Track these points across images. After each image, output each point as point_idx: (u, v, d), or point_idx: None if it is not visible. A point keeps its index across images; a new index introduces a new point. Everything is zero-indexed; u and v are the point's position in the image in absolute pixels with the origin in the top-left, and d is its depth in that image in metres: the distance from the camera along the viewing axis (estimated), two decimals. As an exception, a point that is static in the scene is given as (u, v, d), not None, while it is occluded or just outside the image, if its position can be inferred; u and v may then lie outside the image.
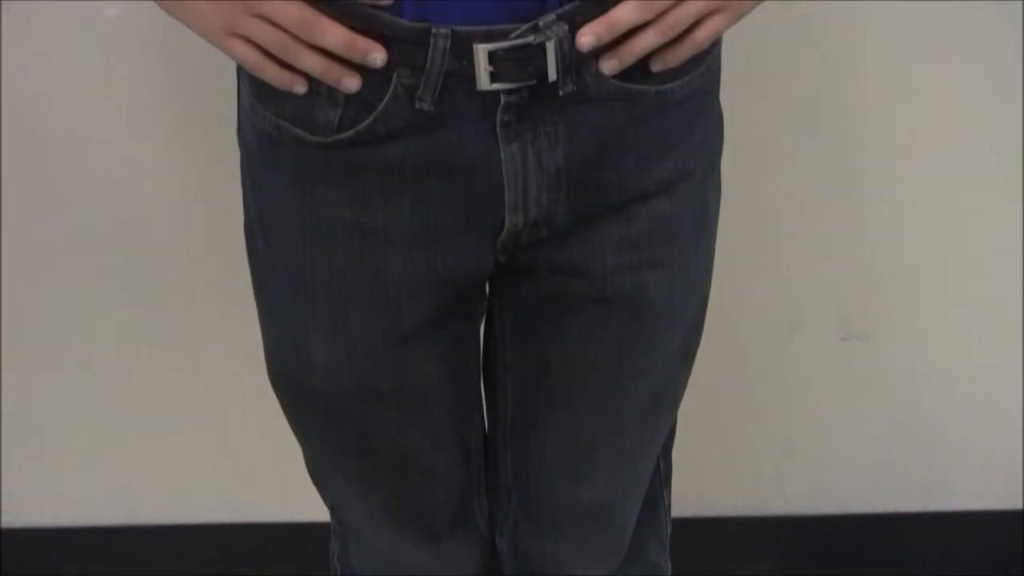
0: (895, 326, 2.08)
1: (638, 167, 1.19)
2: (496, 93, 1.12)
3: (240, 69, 1.22)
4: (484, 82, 1.11)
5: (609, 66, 1.13)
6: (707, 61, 1.22)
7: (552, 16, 1.10)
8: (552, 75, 1.11)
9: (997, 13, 1.85)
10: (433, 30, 1.09)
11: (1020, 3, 1.83)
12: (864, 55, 1.89)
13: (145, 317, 2.04)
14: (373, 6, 1.09)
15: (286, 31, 1.10)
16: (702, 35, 1.15)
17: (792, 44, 1.87)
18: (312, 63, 1.11)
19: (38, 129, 1.91)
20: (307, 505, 1.57)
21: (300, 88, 1.14)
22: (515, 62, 1.10)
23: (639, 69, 1.15)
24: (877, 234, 2.02)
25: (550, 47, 1.10)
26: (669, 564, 1.56)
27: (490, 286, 1.31)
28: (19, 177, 1.94)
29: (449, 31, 1.09)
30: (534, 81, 1.11)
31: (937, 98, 1.91)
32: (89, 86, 1.88)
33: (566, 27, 1.10)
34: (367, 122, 1.14)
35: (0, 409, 2.09)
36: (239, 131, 1.27)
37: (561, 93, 1.13)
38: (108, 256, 2.00)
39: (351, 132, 1.14)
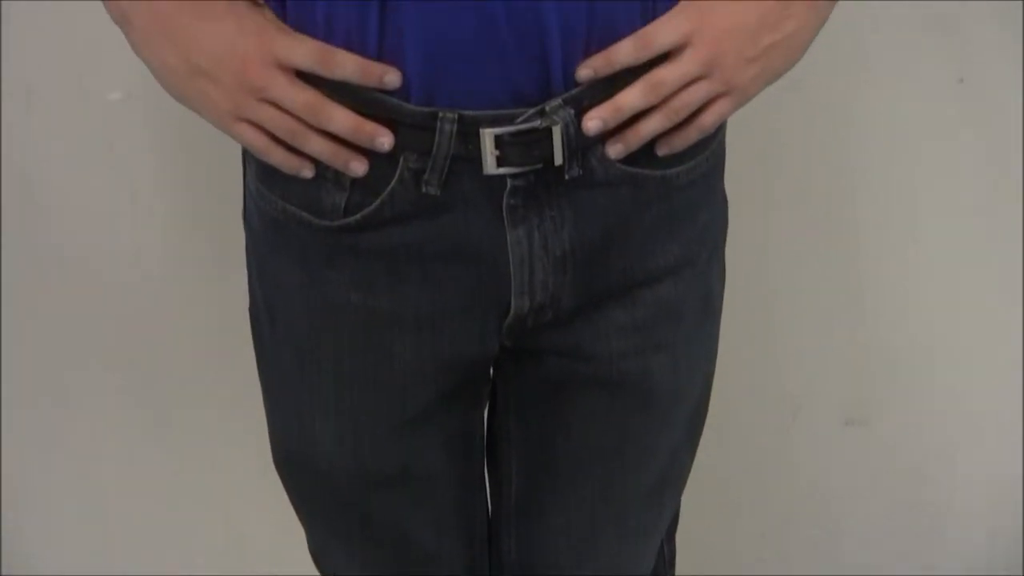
0: (897, 411, 2.08)
1: (643, 251, 1.20)
2: (502, 177, 1.12)
3: (246, 153, 1.23)
4: (491, 166, 1.11)
5: (615, 150, 1.14)
6: (712, 146, 1.22)
7: (558, 101, 1.10)
8: (558, 159, 1.12)
9: (996, 92, 1.87)
10: (440, 114, 1.09)
11: (1020, 81, 1.84)
12: (868, 140, 1.90)
13: (148, 399, 2.03)
14: (380, 91, 1.09)
15: (294, 115, 1.11)
16: (707, 120, 1.16)
17: (795, 130, 1.88)
18: (319, 147, 1.12)
19: (40, 214, 1.91)
20: (308, 587, 1.56)
21: (307, 172, 1.15)
22: (522, 146, 1.10)
23: (645, 153, 1.16)
24: (879, 319, 2.02)
25: (556, 131, 1.10)
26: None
27: (494, 369, 1.31)
28: (19, 260, 1.94)
29: (456, 115, 1.09)
30: (540, 165, 1.12)
31: (939, 184, 1.92)
32: (92, 171, 1.88)
33: (572, 111, 1.10)
34: (373, 206, 1.14)
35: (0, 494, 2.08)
36: (245, 216, 1.28)
37: (567, 177, 1.13)
38: (110, 339, 1.99)
39: (357, 216, 1.15)
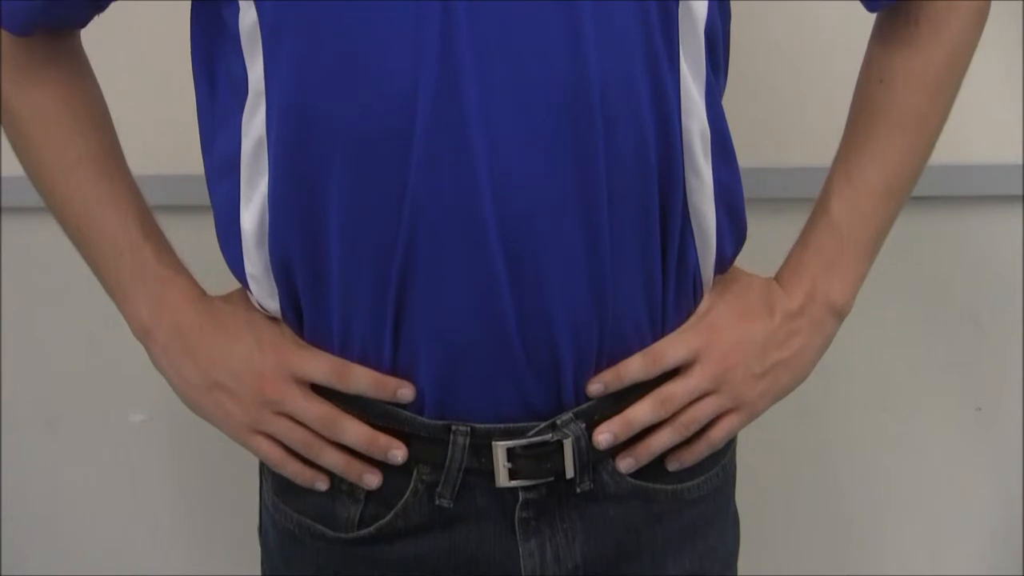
0: None
1: (655, 565, 1.19)
2: (515, 490, 1.13)
3: (263, 468, 1.24)
4: (503, 479, 1.12)
5: (626, 464, 1.15)
6: (722, 461, 1.23)
7: (569, 415, 1.12)
8: (569, 472, 1.12)
9: (1000, 413, 1.88)
10: (453, 427, 1.11)
11: (1020, 411, 1.86)
12: (883, 465, 1.90)
13: None
14: (394, 404, 1.12)
15: (309, 428, 1.13)
16: (717, 435, 1.17)
17: (809, 453, 1.89)
18: (334, 460, 1.14)
19: (59, 535, 1.92)
20: None
21: (322, 485, 1.16)
22: (533, 459, 1.12)
23: (655, 467, 1.17)
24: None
25: (567, 445, 1.11)
26: None
27: None
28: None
29: (469, 428, 1.11)
30: (552, 478, 1.13)
31: (958, 509, 1.92)
32: (114, 490, 1.90)
33: (583, 425, 1.12)
34: (387, 518, 1.14)
35: None
36: (260, 530, 1.28)
37: (579, 490, 1.14)
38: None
39: (371, 528, 1.15)
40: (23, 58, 1.18)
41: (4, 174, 1.68)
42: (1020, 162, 1.73)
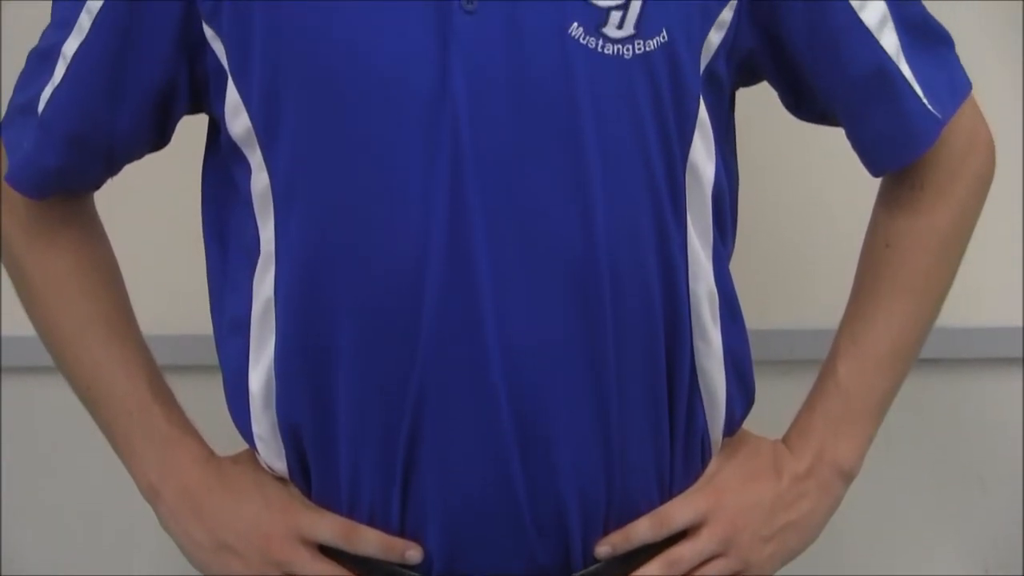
0: None
1: None
2: (522, 651, 1.11)
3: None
4: (510, 642, 1.11)
5: (635, 628, 1.14)
6: (731, 624, 1.22)
7: (577, 576, 1.11)
8: (578, 632, 1.12)
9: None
10: (461, 588, 1.10)
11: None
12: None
13: None
14: (402, 566, 1.11)
15: (314, 592, 1.12)
16: (725, 597, 1.17)
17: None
18: (338, 624, 1.13)
19: None
20: None
21: (323, 658, 1.14)
22: (541, 620, 1.11)
23: (664, 584, 1.16)
24: None
25: (575, 598, 1.11)
26: None
27: None
28: None
29: (476, 590, 1.10)
30: (560, 638, 1.12)
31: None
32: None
33: (590, 587, 1.11)
34: None
35: None
36: None
37: (588, 651, 1.13)
38: None
39: None
40: (37, 220, 1.19)
41: (5, 334, 1.68)
42: (1020, 325, 1.74)
